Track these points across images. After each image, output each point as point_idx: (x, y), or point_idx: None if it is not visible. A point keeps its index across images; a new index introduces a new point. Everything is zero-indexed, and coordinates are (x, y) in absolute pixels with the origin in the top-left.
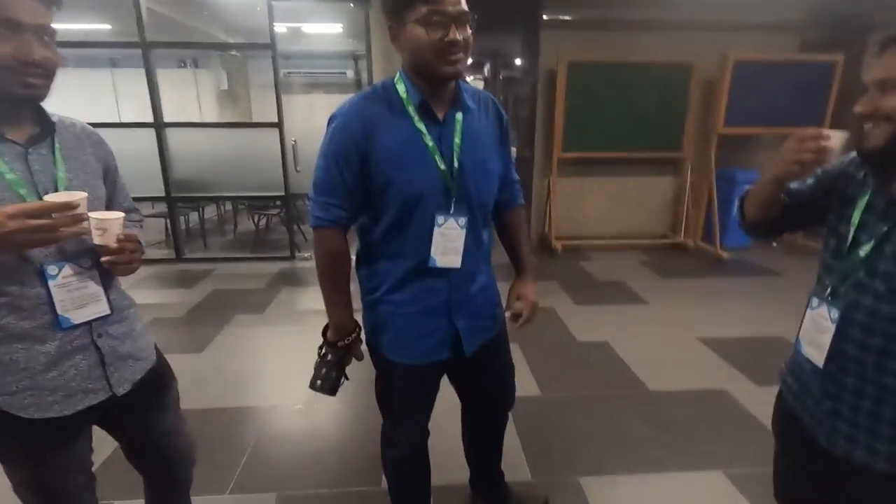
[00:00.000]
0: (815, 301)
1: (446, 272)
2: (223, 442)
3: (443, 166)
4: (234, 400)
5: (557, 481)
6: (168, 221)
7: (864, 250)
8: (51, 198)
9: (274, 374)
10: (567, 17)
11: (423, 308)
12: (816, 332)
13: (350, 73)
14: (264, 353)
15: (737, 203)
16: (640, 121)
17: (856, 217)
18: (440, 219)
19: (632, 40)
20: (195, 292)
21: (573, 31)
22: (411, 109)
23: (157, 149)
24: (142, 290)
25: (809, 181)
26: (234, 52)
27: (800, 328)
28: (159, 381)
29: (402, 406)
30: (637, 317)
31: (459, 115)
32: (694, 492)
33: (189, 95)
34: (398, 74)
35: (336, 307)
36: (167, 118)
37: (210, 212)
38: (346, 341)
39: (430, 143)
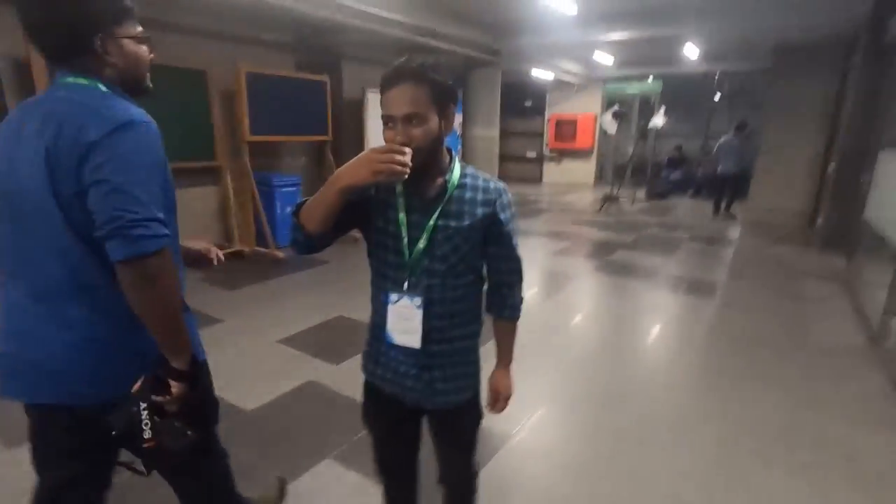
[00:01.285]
0: (393, 297)
1: None
2: None
3: None
4: None
5: None
6: None
7: (422, 243)
8: None
9: None
10: None
11: None
12: (405, 322)
13: None
14: None
15: (292, 221)
16: (166, 129)
17: (402, 218)
18: None
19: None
20: None
21: None
22: None
23: None
24: None
25: None
26: None
27: (382, 323)
28: None
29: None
30: (215, 338)
31: None
32: (312, 491)
33: None
34: (99, 84)
35: (186, 333)
36: None
37: None
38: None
39: None
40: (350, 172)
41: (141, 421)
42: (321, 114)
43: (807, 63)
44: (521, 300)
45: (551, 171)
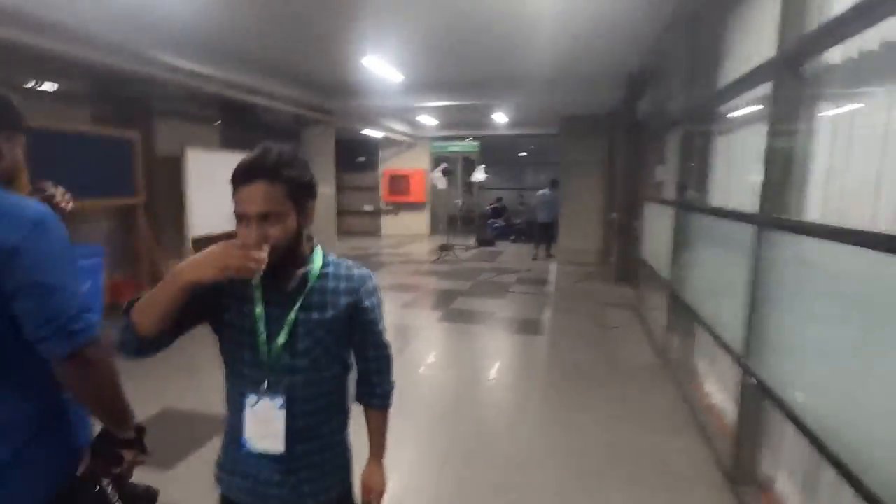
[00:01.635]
0: (251, 399)
1: None
2: None
3: None
4: None
5: None
6: None
7: (281, 338)
8: None
9: None
10: None
11: None
12: (266, 424)
13: None
14: None
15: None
16: None
17: (259, 313)
18: None
19: None
20: None
21: None
22: None
23: None
24: None
25: None
26: None
27: (239, 428)
28: None
29: None
30: None
31: None
32: None
33: None
34: None
35: (128, 403)
36: None
37: None
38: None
39: None
40: (196, 266)
41: (108, 497)
42: (129, 173)
43: (586, 130)
44: (391, 388)
45: (389, 224)
